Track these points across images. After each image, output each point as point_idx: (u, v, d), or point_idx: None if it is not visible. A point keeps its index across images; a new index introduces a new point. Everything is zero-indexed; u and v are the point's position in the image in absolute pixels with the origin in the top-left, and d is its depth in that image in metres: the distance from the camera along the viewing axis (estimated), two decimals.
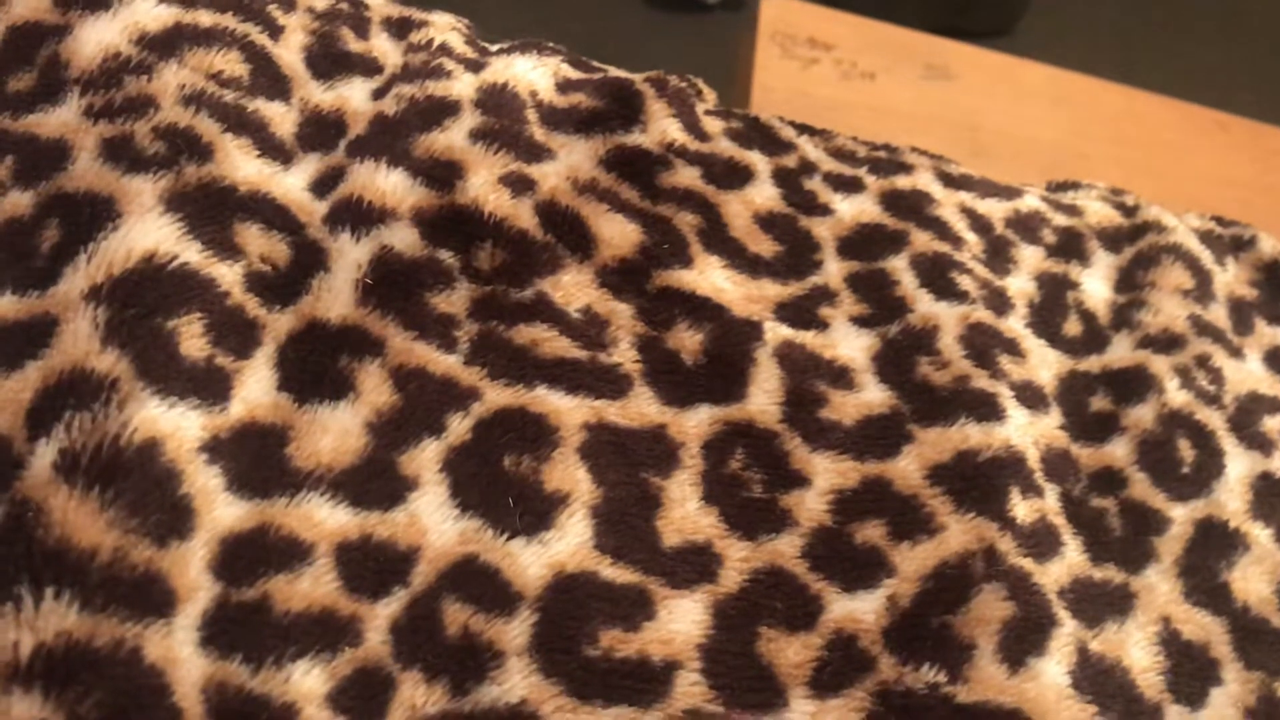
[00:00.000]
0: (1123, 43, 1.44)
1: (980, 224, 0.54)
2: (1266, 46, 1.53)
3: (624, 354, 0.44)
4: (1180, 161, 1.17)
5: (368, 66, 0.49)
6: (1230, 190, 1.16)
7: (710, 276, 0.47)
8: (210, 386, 0.37)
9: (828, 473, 0.43)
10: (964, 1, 1.30)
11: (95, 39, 0.42)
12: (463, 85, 0.48)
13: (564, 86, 0.52)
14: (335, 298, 0.41)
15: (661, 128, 0.51)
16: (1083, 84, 1.19)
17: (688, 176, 0.50)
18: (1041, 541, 0.44)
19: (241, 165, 0.42)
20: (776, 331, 0.47)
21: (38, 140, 0.40)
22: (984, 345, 0.48)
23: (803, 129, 0.56)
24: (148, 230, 0.38)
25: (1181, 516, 0.47)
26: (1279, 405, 0.53)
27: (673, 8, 1.23)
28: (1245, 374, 0.53)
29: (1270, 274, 0.59)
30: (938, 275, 0.50)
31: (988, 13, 1.33)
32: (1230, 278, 0.58)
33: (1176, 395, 0.50)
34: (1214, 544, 0.47)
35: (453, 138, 0.46)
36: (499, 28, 1.17)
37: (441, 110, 0.47)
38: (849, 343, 0.48)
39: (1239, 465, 0.49)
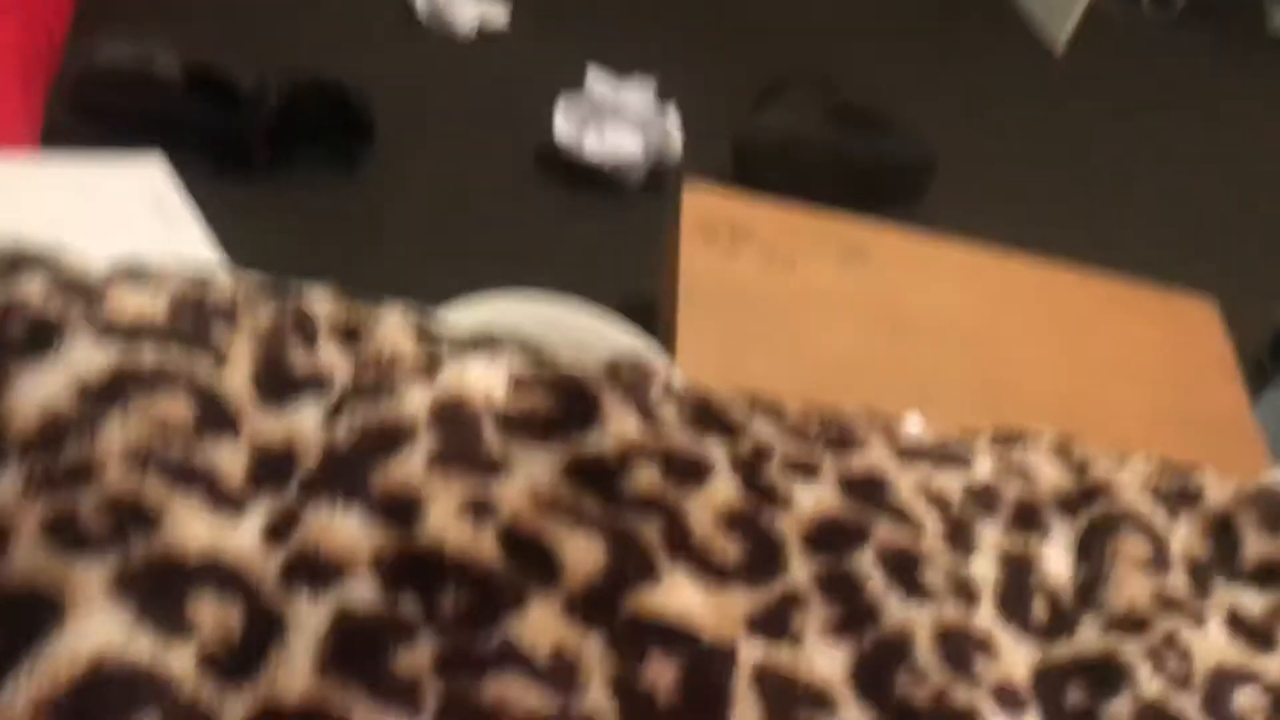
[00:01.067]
0: (1025, 205, 1.48)
1: (938, 502, 0.54)
2: (1162, 204, 1.58)
3: (595, 698, 0.42)
4: (1094, 332, 1.20)
5: (317, 384, 0.47)
6: (1143, 357, 1.19)
7: (679, 593, 0.46)
8: None
9: None
10: (869, 176, 1.33)
11: (33, 396, 0.40)
12: (416, 404, 0.47)
13: (518, 387, 0.51)
14: (294, 670, 0.39)
15: (619, 427, 0.50)
16: (992, 261, 1.22)
17: (647, 478, 0.49)
18: None
19: (191, 527, 0.40)
20: (751, 652, 0.45)
21: None
22: (958, 652, 0.47)
23: (755, 405, 0.56)
24: (94, 628, 0.35)
25: None
26: (1245, 676, 0.52)
27: (596, 192, 1.24)
28: (1209, 644, 0.53)
29: (1221, 527, 0.59)
30: (905, 573, 0.49)
31: (892, 184, 1.36)
32: (1184, 536, 0.58)
33: (1150, 685, 0.49)
34: None
35: (409, 469, 0.45)
36: (424, 214, 1.17)
37: (396, 435, 0.46)
38: (824, 657, 0.46)
39: None
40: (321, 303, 0.51)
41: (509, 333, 0.54)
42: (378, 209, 1.14)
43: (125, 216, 0.78)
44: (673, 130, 1.23)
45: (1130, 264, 1.25)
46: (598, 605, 0.45)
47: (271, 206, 1.08)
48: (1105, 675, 0.50)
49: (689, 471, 0.50)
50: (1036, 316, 1.17)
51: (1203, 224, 1.58)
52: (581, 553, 0.45)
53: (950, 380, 1.10)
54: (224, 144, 1.05)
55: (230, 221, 0.81)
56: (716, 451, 0.51)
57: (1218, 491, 0.61)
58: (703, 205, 1.11)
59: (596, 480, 0.48)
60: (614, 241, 1.23)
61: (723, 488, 0.50)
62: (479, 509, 0.45)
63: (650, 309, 1.15)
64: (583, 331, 0.93)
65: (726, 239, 1.11)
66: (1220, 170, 1.70)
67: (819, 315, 1.09)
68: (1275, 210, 1.65)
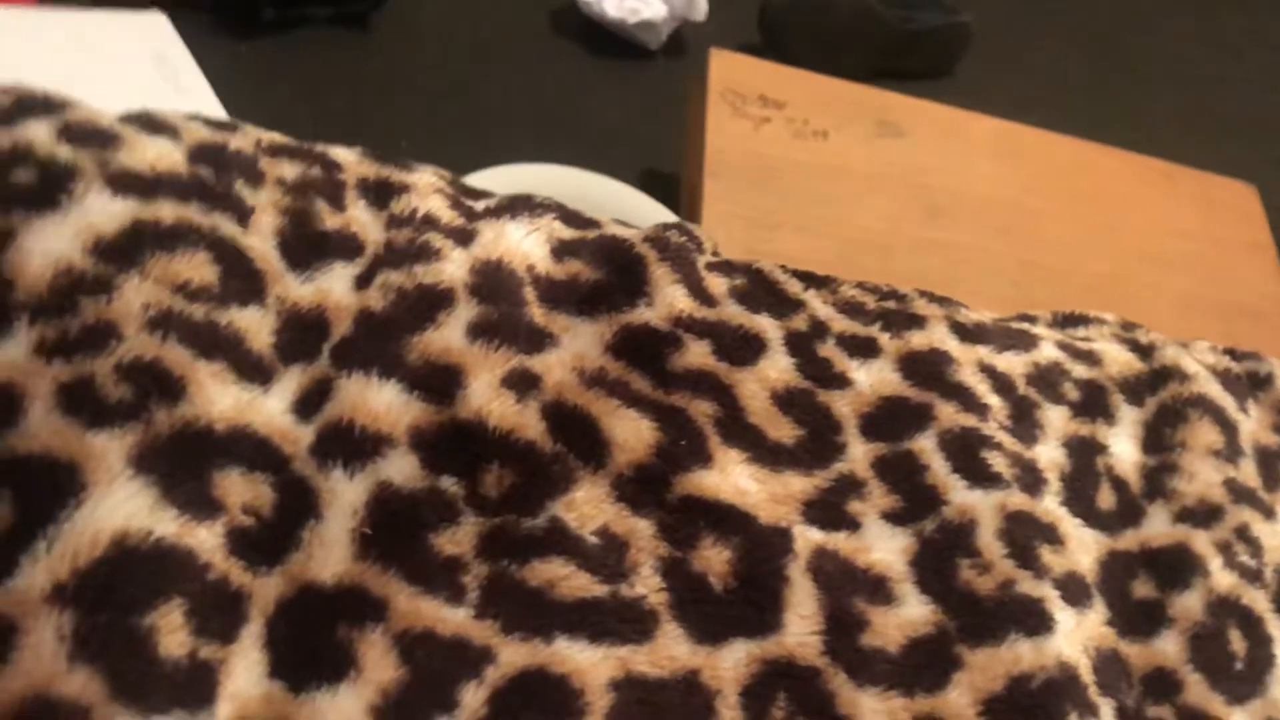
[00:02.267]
0: (1062, 85, 1.42)
1: (1002, 384, 0.51)
2: (1203, 91, 1.53)
3: (647, 582, 0.40)
4: (1131, 214, 1.16)
5: (347, 247, 0.44)
6: (1180, 242, 1.15)
7: (732, 475, 0.43)
8: (194, 688, 0.32)
9: (877, 715, 0.39)
10: (902, 46, 1.27)
11: (43, 249, 0.37)
12: (454, 267, 0.44)
13: (559, 251, 0.47)
14: (329, 552, 0.36)
15: (668, 298, 0.46)
16: (1030, 136, 1.17)
17: (699, 354, 0.45)
18: None
19: (218, 397, 0.37)
20: (807, 537, 0.43)
21: None
22: (1024, 539, 0.44)
23: (808, 280, 0.52)
24: (116, 504, 0.33)
25: None
26: None
27: (614, 54, 1.19)
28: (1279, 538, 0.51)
29: None
30: (969, 457, 0.46)
31: (926, 56, 1.31)
32: (1254, 425, 0.55)
33: (1222, 578, 0.47)
34: None
35: (449, 336, 0.41)
36: (441, 82, 1.12)
37: (434, 302, 0.42)
38: (883, 545, 0.44)
39: None
40: (349, 161, 0.47)
41: (548, 195, 0.50)
42: (388, 72, 1.09)
43: (127, 72, 0.73)
44: None
45: (1168, 150, 1.21)
46: (648, 486, 0.42)
47: (276, 67, 1.03)
48: (1175, 567, 0.48)
49: (742, 347, 0.47)
50: (1073, 195, 1.13)
51: (1244, 111, 1.52)
52: (630, 432, 0.42)
53: (983, 260, 1.07)
54: None
55: (233, 82, 0.76)
56: (770, 327, 0.48)
57: None
58: (731, 73, 1.06)
59: (645, 355, 0.45)
60: (634, 109, 1.18)
61: (777, 365, 0.47)
62: (522, 383, 0.42)
63: (671, 181, 1.11)
64: (612, 199, 0.89)
65: (756, 109, 1.06)
66: (1264, 57, 1.64)
67: (851, 191, 1.04)
68: None
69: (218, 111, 0.71)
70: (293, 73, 1.03)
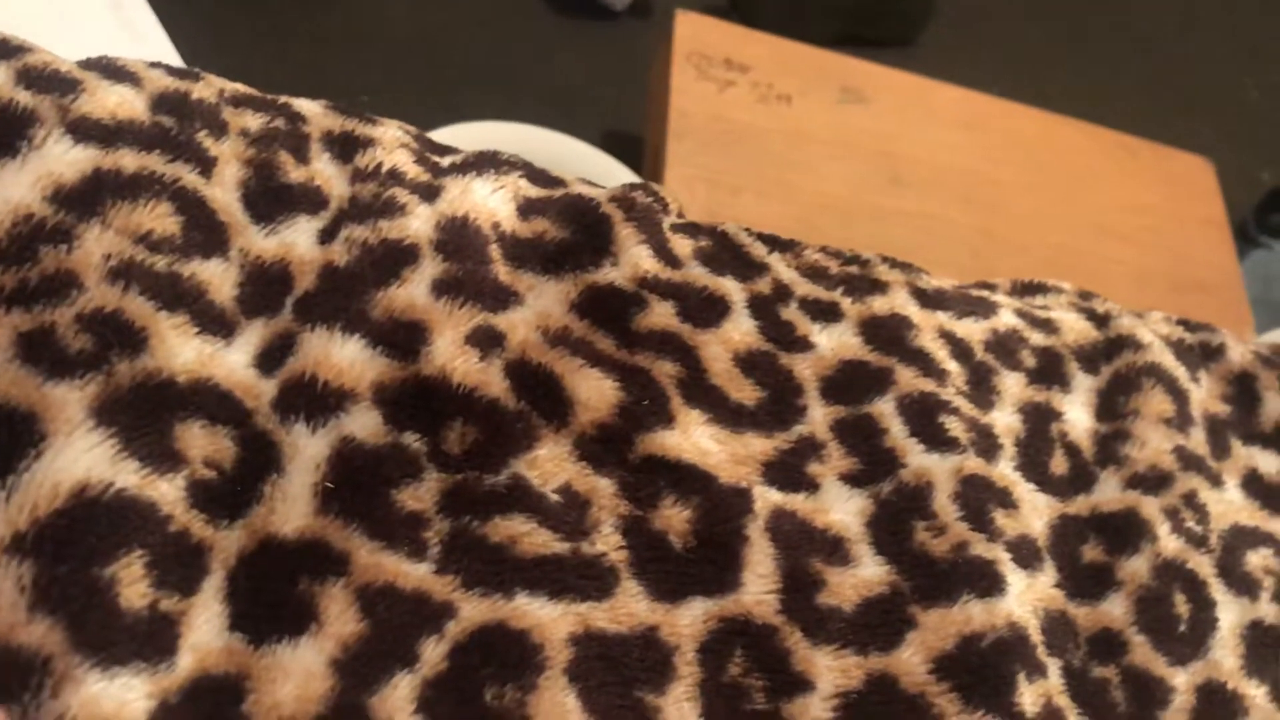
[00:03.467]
0: (1025, 56, 1.43)
1: (960, 349, 0.52)
2: (1164, 65, 1.54)
3: (607, 540, 0.40)
4: (1091, 188, 1.17)
5: (312, 200, 0.43)
6: (1137, 216, 1.17)
7: (694, 436, 0.44)
8: (154, 640, 0.32)
9: (830, 672, 0.40)
10: (869, 12, 1.28)
11: (2, 196, 0.36)
12: (419, 223, 0.43)
13: (525, 209, 0.47)
14: (291, 506, 0.36)
15: (633, 258, 0.47)
16: (994, 106, 1.18)
17: (663, 315, 0.46)
18: None
19: (179, 350, 0.36)
20: (766, 498, 0.43)
21: None
22: (978, 502, 0.45)
23: (772, 243, 0.52)
24: (76, 455, 0.32)
25: (1183, 684, 0.45)
26: (1259, 537, 0.51)
27: (579, 14, 1.18)
28: (1226, 505, 0.52)
29: (1241, 387, 0.57)
30: (927, 421, 0.47)
31: (892, 23, 1.31)
32: (1204, 394, 0.56)
33: (1169, 542, 0.48)
34: (1216, 712, 0.45)
35: (413, 293, 0.41)
36: (405, 37, 1.11)
37: (398, 258, 0.42)
38: (841, 506, 0.44)
39: (1229, 615, 0.48)
40: (314, 113, 0.46)
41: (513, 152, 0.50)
42: (350, 26, 1.08)
43: (80, 17, 0.72)
44: None
45: (1129, 123, 1.22)
46: (610, 446, 0.42)
47: (235, 17, 1.01)
48: (1124, 531, 0.48)
49: (706, 309, 0.47)
50: (1034, 167, 1.14)
51: (1203, 86, 1.54)
52: (594, 391, 0.43)
53: (943, 229, 1.07)
54: None
55: (191, 31, 0.75)
56: (734, 289, 0.48)
57: (1237, 351, 0.59)
58: (696, 35, 1.06)
59: (609, 315, 0.45)
60: (599, 69, 1.17)
61: (740, 327, 0.47)
62: (486, 340, 0.42)
63: (633, 140, 1.11)
64: (575, 159, 0.89)
65: (720, 72, 1.06)
66: (1226, 33, 1.65)
67: (814, 157, 1.05)
68: (1274, 77, 1.62)
69: (175, 61, 0.70)
70: (255, 24, 1.02)
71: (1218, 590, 0.48)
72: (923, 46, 1.39)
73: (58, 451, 0.32)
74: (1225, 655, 0.47)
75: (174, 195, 0.39)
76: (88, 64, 0.42)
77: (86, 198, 0.37)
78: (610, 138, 1.11)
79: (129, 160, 0.39)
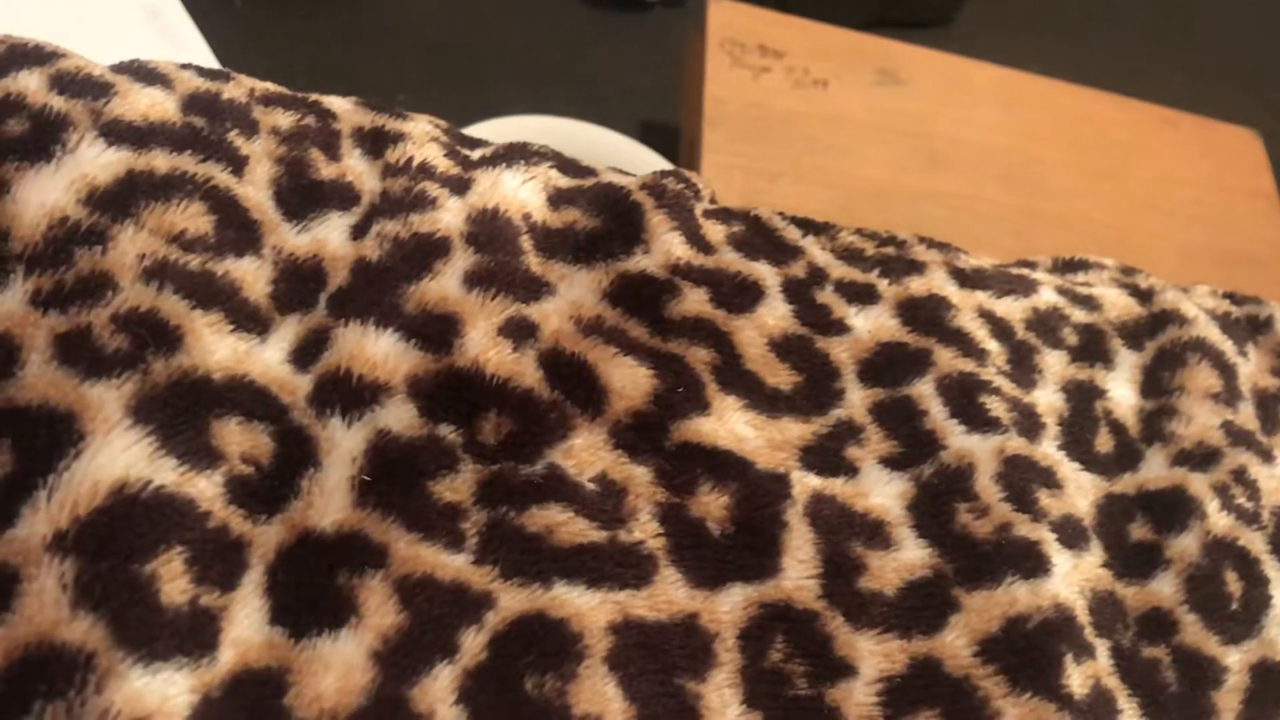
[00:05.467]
0: (1063, 32, 1.41)
1: (1001, 329, 0.51)
2: (1206, 37, 1.52)
3: (645, 528, 0.40)
4: (1133, 162, 1.16)
5: (343, 196, 0.43)
6: (1184, 190, 1.15)
7: (730, 422, 0.43)
8: (196, 635, 0.32)
9: (873, 656, 0.40)
10: None
11: (38, 200, 0.37)
12: (450, 216, 0.43)
13: (556, 200, 0.47)
14: (329, 500, 0.36)
15: (665, 245, 0.46)
16: (1032, 84, 1.17)
17: (696, 301, 0.45)
18: (1100, 713, 0.41)
19: (214, 347, 0.37)
20: (804, 483, 0.43)
21: None
22: (1022, 482, 0.44)
23: (806, 226, 0.52)
24: (115, 453, 0.33)
25: (1236, 664, 0.44)
26: None
27: (611, 6, 1.18)
28: (1277, 481, 0.51)
29: None
30: (967, 401, 0.46)
31: (927, 3, 1.30)
32: (1253, 368, 0.55)
33: (1219, 520, 0.47)
34: (1270, 692, 0.44)
35: (445, 285, 0.41)
36: (438, 35, 1.11)
37: (430, 250, 0.42)
38: (881, 490, 0.44)
39: None
40: (344, 110, 0.47)
41: (543, 143, 0.50)
42: (384, 25, 1.08)
43: (120, 26, 0.73)
44: None
45: (1171, 97, 1.20)
46: (645, 434, 0.42)
47: (271, 21, 1.02)
48: (1172, 509, 0.48)
49: (739, 295, 0.47)
50: (1075, 144, 1.12)
51: (1248, 56, 1.51)
52: (628, 379, 0.42)
53: (984, 209, 1.06)
54: None
55: (228, 36, 0.76)
56: (768, 274, 0.48)
57: None
58: (730, 21, 1.05)
59: (642, 302, 0.45)
60: (632, 60, 1.17)
61: (775, 312, 0.47)
62: (520, 331, 0.42)
63: (669, 131, 1.10)
64: (611, 150, 0.89)
65: (755, 59, 1.05)
66: (1266, 2, 1.62)
67: (851, 141, 1.04)
68: None
69: (211, 62, 0.70)
70: (288, 27, 1.03)
71: (1271, 567, 0.47)
72: (958, 26, 1.37)
73: (97, 450, 0.33)
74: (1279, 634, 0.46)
75: (206, 194, 0.40)
76: (119, 68, 0.43)
77: (120, 199, 0.38)
78: (646, 128, 1.10)
79: (161, 161, 0.39)
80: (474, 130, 0.73)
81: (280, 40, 1.00)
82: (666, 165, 0.91)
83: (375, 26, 1.06)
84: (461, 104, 1.04)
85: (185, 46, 0.72)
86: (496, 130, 0.79)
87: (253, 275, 0.39)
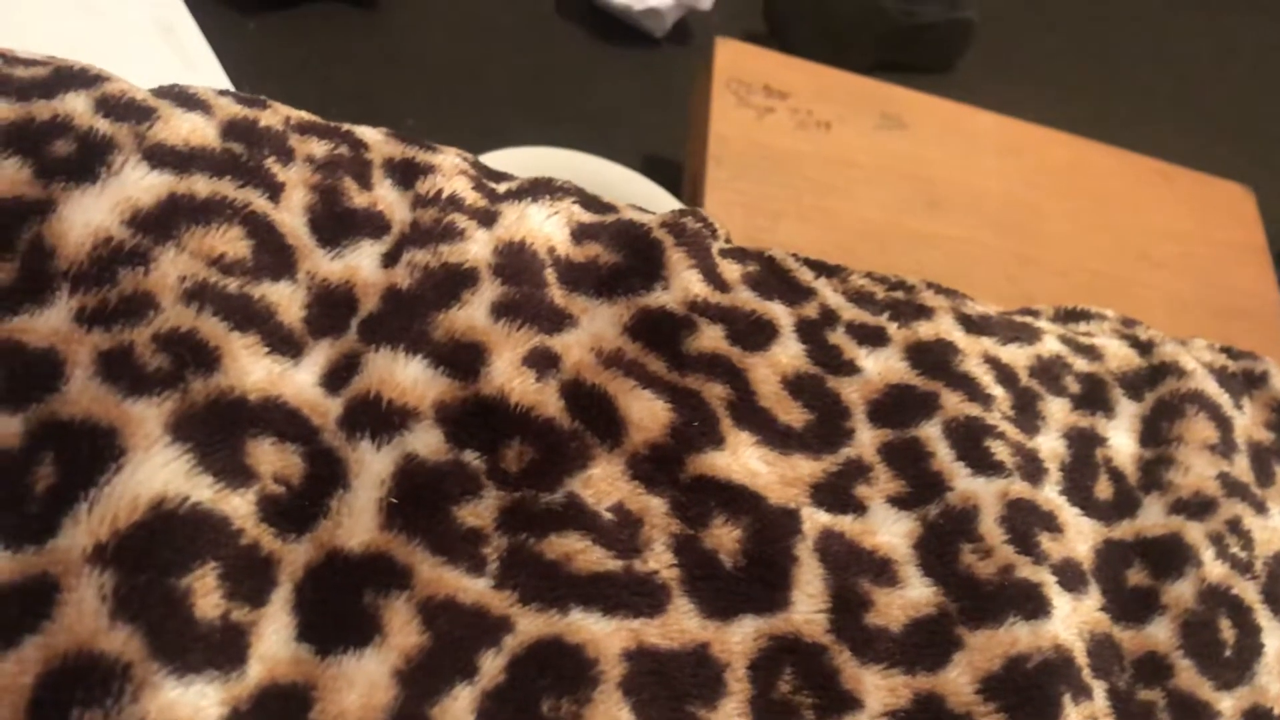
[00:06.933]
0: (1061, 82, 1.44)
1: (1006, 375, 0.52)
2: (1201, 92, 1.54)
3: (659, 558, 0.41)
4: (1126, 213, 1.18)
5: (375, 224, 0.45)
6: (1176, 243, 1.17)
7: (743, 457, 0.44)
8: (226, 649, 0.33)
9: (879, 690, 0.41)
10: (906, 39, 1.29)
11: (83, 220, 0.38)
12: (478, 247, 0.45)
13: (579, 234, 0.48)
14: (357, 521, 0.37)
15: (683, 282, 0.48)
16: (1030, 133, 1.19)
17: (713, 338, 0.47)
18: None
19: (251, 369, 0.38)
20: (814, 519, 0.44)
21: (25, 350, 0.35)
22: (1024, 525, 0.46)
23: (818, 268, 0.53)
24: (154, 469, 0.34)
25: (1229, 709, 0.46)
26: None
27: (620, 40, 1.19)
28: (1270, 532, 0.52)
29: None
30: (972, 445, 0.48)
31: (929, 50, 1.32)
32: (1248, 421, 0.57)
33: (1214, 568, 0.48)
34: None
35: (473, 315, 0.43)
36: (446, 63, 1.13)
37: (459, 280, 0.43)
38: (888, 528, 0.45)
39: (1275, 640, 0.48)
40: (375, 141, 0.48)
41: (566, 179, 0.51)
42: (395, 51, 1.10)
43: (135, 43, 0.74)
44: None
45: (1166, 150, 1.22)
46: (662, 465, 0.43)
47: (283, 44, 1.03)
48: (1169, 556, 0.49)
49: (754, 333, 0.48)
50: (1071, 193, 1.14)
51: (1242, 113, 1.54)
52: (646, 411, 0.44)
53: (981, 254, 1.08)
54: None
55: (240, 58, 0.77)
56: (782, 314, 0.49)
57: None
58: (736, 62, 1.07)
59: (661, 337, 0.46)
60: (638, 95, 1.19)
61: (788, 351, 0.48)
62: (543, 361, 0.43)
63: (673, 166, 1.12)
64: (616, 183, 0.90)
65: (760, 99, 1.07)
66: (1263, 59, 1.65)
67: (852, 182, 1.06)
68: None
69: (225, 86, 0.71)
70: (300, 51, 1.04)
71: (1263, 616, 0.49)
72: (960, 72, 1.40)
73: (137, 466, 0.33)
74: (1271, 681, 0.47)
75: (244, 219, 0.41)
76: (160, 92, 0.44)
77: (162, 221, 0.39)
78: (650, 162, 1.12)
79: (201, 185, 0.40)
80: (487, 159, 0.74)
81: (292, 64, 1.02)
82: (671, 199, 0.92)
83: (386, 54, 1.08)
84: (471, 131, 1.05)
85: (198, 65, 0.73)
86: (510, 160, 0.80)
87: (288, 299, 0.41)
